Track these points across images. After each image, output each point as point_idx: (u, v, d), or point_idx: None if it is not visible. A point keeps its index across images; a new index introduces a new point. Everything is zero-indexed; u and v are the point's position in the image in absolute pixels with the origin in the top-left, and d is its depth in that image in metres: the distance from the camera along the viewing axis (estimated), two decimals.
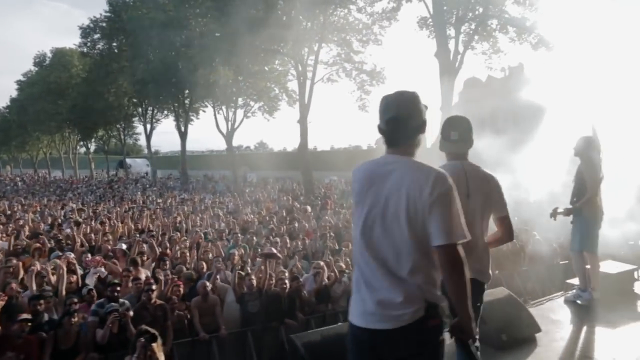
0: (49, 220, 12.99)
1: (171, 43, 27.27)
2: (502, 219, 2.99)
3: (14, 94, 52.82)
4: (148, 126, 37.76)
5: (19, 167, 64.09)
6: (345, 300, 7.04)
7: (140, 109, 38.70)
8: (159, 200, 20.71)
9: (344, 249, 9.42)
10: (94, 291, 6.21)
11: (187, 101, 31.95)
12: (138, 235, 10.19)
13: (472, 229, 2.36)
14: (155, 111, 36.99)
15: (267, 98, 28.14)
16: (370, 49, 24.75)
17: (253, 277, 6.59)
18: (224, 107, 29.02)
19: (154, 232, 10.65)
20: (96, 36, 34.95)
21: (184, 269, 7.54)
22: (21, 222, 11.99)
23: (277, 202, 19.44)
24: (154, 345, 4.57)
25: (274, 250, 7.40)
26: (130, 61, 30.53)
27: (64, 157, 55.21)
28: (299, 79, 23.29)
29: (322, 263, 7.47)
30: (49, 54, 49.42)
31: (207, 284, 6.42)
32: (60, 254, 8.08)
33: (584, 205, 5.26)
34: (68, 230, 10.63)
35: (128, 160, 53.98)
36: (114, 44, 34.70)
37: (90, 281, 6.52)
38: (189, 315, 6.18)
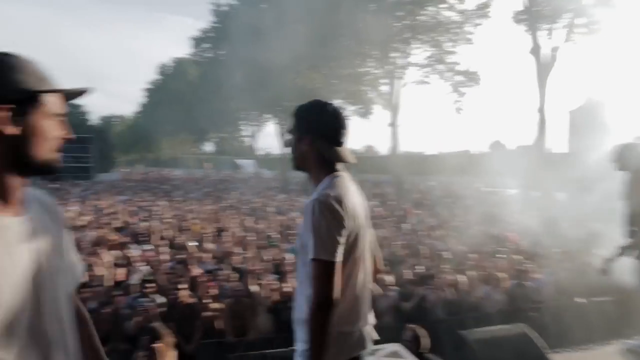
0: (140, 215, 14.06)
1: (265, 50, 28.37)
2: None
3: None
4: (254, 129, 39.69)
5: (147, 166, 71.32)
6: (391, 316, 6.67)
7: (248, 113, 40.90)
8: (254, 201, 21.48)
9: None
10: (134, 286, 6.58)
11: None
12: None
13: None
14: (262, 114, 38.71)
15: (361, 101, 27.93)
16: (464, 49, 23.12)
17: (290, 285, 6.51)
18: None
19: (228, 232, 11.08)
20: (205, 45, 37.57)
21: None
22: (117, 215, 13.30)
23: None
24: (160, 343, 4.68)
25: None
26: (235, 68, 32.33)
27: (183, 157, 60.61)
28: (391, 81, 22.84)
29: None
30: (171, 64, 54.79)
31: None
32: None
33: None
34: (145, 224, 11.42)
35: (238, 162, 57.34)
36: (221, 52, 36.99)
37: (137, 276, 6.91)
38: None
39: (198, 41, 36.87)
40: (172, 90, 49.99)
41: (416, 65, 23.22)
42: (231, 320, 6.27)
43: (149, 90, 57.52)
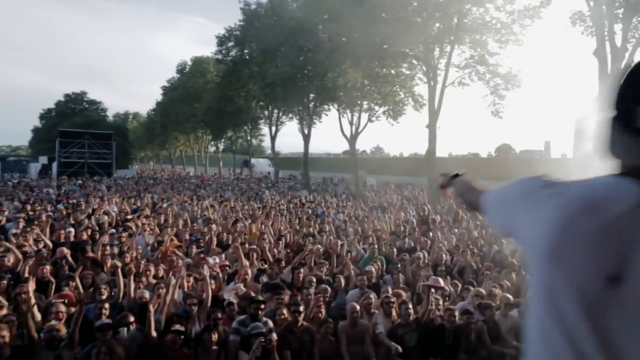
0: (185, 215, 13.42)
1: (300, 48, 27.82)
2: None
3: (160, 98, 58.70)
4: (273, 128, 39.15)
5: (159, 163, 70.82)
6: (513, 338, 6.04)
7: (266, 112, 40.35)
8: (282, 202, 20.93)
9: (486, 272, 8.29)
10: (235, 306, 5.95)
11: (311, 105, 32.41)
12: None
13: None
14: (281, 114, 38.14)
15: (392, 102, 27.35)
16: (507, 51, 22.40)
17: (410, 305, 5.87)
18: (348, 111, 28.87)
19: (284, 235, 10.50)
20: (230, 44, 37.04)
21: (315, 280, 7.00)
22: (163, 216, 12.70)
23: (401, 209, 18.60)
24: None
25: (441, 282, 6.51)
26: (260, 66, 31.76)
27: (196, 155, 60.09)
28: (429, 82, 22.19)
29: (483, 291, 6.49)
30: (189, 62, 54.38)
31: (357, 307, 5.85)
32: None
33: None
34: (202, 227, 10.84)
35: (252, 160, 56.93)
36: (246, 50, 36.43)
37: (228, 296, 6.28)
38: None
39: (222, 40, 36.32)
40: (190, 88, 49.58)
41: (457, 66, 22.55)
42: (348, 346, 5.66)
43: (165, 88, 57.07)
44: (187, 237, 10.17)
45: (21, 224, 10.21)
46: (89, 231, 10.10)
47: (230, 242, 9.89)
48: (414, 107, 26.94)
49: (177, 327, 4.83)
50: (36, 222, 10.32)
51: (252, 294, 6.13)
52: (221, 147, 58.48)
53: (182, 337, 4.82)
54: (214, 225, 11.10)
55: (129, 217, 12.14)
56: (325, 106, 32.96)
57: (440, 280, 6.58)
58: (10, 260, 7.19)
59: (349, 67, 22.74)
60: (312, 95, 30.85)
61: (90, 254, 8.08)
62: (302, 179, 36.26)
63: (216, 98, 40.26)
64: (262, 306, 5.58)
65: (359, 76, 23.79)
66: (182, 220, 12.06)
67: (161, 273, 7.24)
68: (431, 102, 22.24)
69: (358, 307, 5.85)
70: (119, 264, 6.51)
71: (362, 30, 22.07)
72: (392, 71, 25.35)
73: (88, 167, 38.50)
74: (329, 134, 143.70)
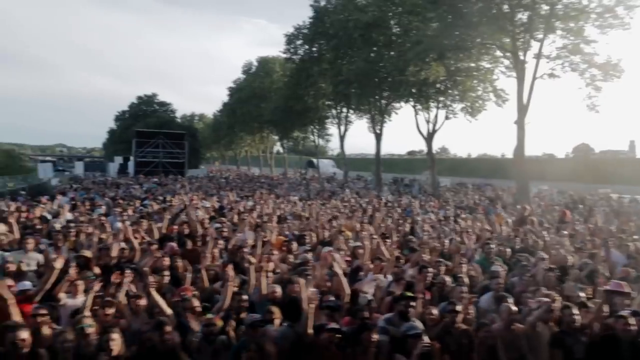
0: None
1: (374, 43, 27.25)
2: None
3: (226, 99, 60.08)
4: (342, 128, 38.77)
5: (224, 164, 72.58)
6: None
7: (334, 111, 40.07)
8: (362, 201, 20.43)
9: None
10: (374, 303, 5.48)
11: (383, 102, 31.70)
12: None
13: None
14: (351, 113, 37.66)
15: (471, 98, 26.07)
16: (606, 38, 20.45)
17: (575, 309, 5.13)
18: (423, 109, 27.93)
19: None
20: (298, 42, 37.04)
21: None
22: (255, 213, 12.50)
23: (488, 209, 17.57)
24: None
25: (625, 287, 5.70)
26: (332, 63, 31.45)
27: (261, 155, 60.98)
28: (517, 75, 20.87)
29: None
30: (255, 63, 55.22)
31: (513, 307, 5.21)
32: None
33: None
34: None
35: (315, 161, 56.96)
36: (314, 48, 36.31)
37: (369, 289, 5.81)
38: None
39: (291, 38, 36.38)
40: (256, 88, 50.29)
41: (547, 57, 21.02)
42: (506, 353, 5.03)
43: (231, 89, 58.30)
44: (287, 233, 9.88)
45: (125, 218, 10.30)
46: (186, 226, 10.03)
47: (328, 240, 9.58)
48: (496, 102, 25.56)
49: (333, 325, 4.40)
50: (143, 217, 10.38)
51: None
52: (280, 148, 59.15)
53: (338, 335, 4.38)
54: (335, 221, 10.94)
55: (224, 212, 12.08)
56: (397, 104, 32.15)
57: (624, 284, 5.77)
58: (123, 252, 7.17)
59: (432, 61, 21.83)
60: (384, 92, 30.17)
61: (195, 247, 8.00)
62: (372, 180, 35.67)
63: (284, 97, 40.43)
64: (413, 303, 5.06)
65: (442, 70, 22.82)
66: (274, 216, 11.85)
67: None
68: (519, 97, 20.91)
69: (514, 309, 5.21)
70: (253, 259, 6.20)
71: (443, 22, 21.20)
72: (473, 64, 24.12)
73: (162, 167, 39.87)
74: (391, 135, 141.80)
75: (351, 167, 56.00)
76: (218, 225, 9.75)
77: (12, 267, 6.17)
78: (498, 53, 22.48)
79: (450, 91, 26.66)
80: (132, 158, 42.85)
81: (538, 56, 20.45)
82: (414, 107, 27.92)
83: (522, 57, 20.97)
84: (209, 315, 4.04)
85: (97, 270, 6.20)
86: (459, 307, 4.96)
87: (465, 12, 19.76)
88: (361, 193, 23.75)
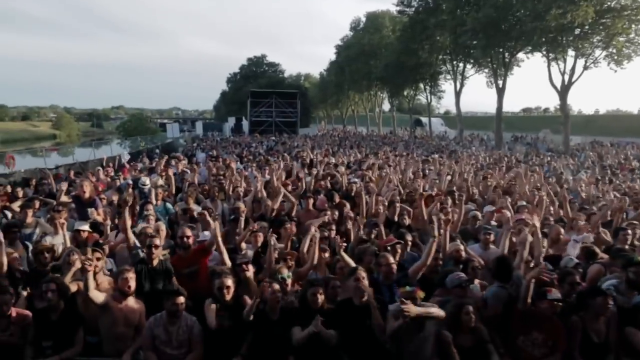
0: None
1: None
2: None
3: (333, 58, 59.36)
4: (457, 84, 36.41)
5: (331, 123, 72.83)
6: None
7: (449, 66, 37.76)
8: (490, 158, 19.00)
9: None
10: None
11: (506, 54, 28.99)
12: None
13: None
14: (469, 67, 35.15)
15: (619, 43, 22.58)
16: None
17: None
18: (556, 59, 24.98)
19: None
20: None
21: None
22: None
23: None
24: None
25: None
26: (452, 13, 29.26)
27: (369, 114, 59.94)
28: None
29: None
30: (363, 19, 53.50)
31: None
32: None
33: None
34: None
35: (424, 119, 54.84)
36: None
37: (574, 251, 5.06)
38: None
39: None
40: (365, 45, 48.80)
41: None
42: None
43: (339, 47, 57.34)
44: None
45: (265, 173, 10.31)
46: (328, 178, 9.86)
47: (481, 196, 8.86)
48: None
49: (555, 294, 3.77)
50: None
51: None
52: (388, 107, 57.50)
53: (559, 304, 3.76)
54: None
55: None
56: (524, 55, 29.23)
57: None
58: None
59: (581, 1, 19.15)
60: (509, 43, 27.45)
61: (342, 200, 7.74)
62: (487, 139, 33.43)
63: (396, 52, 38.84)
64: None
65: (591, 11, 19.89)
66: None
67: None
68: None
69: None
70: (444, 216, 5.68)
71: None
72: (628, 1, 20.73)
73: (275, 126, 40.88)
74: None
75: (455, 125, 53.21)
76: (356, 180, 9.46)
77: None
78: None
79: (591, 37, 23.48)
80: (244, 118, 44.49)
81: None
82: (547, 56, 25.03)
83: None
84: (408, 288, 3.61)
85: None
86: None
87: None
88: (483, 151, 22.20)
